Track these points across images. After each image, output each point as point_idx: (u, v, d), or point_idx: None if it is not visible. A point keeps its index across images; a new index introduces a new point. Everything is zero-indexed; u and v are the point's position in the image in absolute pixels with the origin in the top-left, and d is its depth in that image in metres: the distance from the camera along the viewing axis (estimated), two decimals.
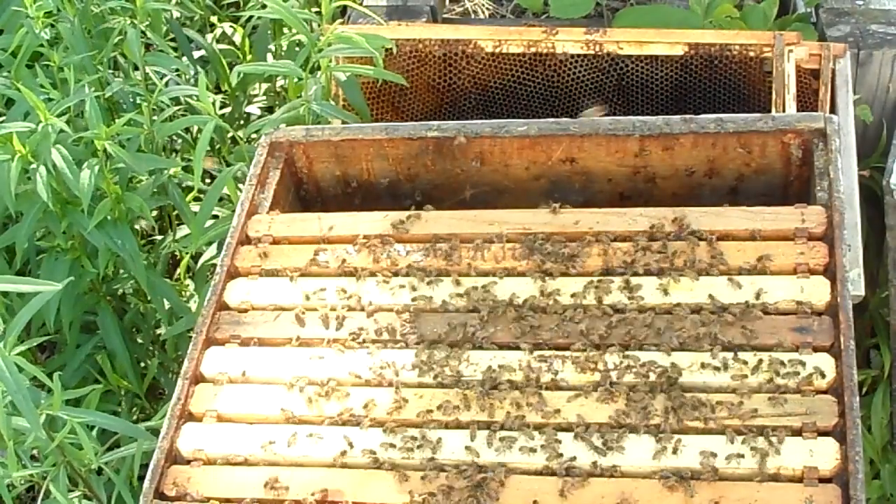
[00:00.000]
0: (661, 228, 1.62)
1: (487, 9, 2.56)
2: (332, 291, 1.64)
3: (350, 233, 1.71)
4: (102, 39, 2.24)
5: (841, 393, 1.41)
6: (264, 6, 2.09)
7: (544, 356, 1.51)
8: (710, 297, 1.53)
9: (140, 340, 2.42)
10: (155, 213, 2.40)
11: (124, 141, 2.09)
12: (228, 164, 2.28)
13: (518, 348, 1.53)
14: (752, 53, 2.11)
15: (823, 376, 1.43)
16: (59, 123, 1.94)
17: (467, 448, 1.43)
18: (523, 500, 1.38)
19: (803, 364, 1.44)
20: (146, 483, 1.47)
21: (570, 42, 2.16)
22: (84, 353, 2.26)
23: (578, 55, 2.16)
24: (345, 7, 2.20)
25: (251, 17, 2.62)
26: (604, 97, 2.23)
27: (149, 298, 2.29)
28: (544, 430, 1.43)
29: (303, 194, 1.91)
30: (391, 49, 2.08)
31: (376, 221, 1.72)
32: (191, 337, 1.62)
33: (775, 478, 1.36)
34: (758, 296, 1.52)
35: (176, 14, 2.69)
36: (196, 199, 2.34)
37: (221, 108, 2.69)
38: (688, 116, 1.74)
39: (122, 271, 2.35)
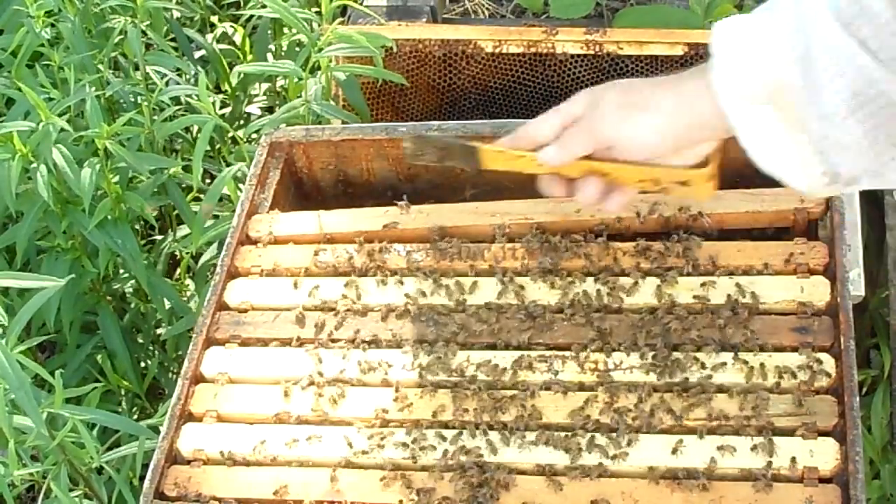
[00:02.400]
0: (662, 214, 1.61)
1: (487, 9, 2.56)
2: (332, 291, 1.64)
3: (350, 230, 1.71)
4: (103, 39, 2.24)
5: (841, 393, 1.41)
6: (264, 6, 2.09)
7: (544, 356, 1.51)
8: (710, 296, 1.53)
9: (140, 340, 2.42)
10: (155, 212, 2.41)
11: (125, 140, 2.09)
12: (228, 164, 2.29)
13: (517, 348, 1.53)
14: None
15: (823, 376, 1.43)
16: (61, 122, 1.94)
17: (467, 448, 1.43)
18: (524, 500, 1.38)
19: (803, 364, 1.44)
20: (146, 483, 1.47)
21: (570, 42, 2.16)
22: (84, 353, 2.26)
23: (578, 55, 2.16)
24: (345, 7, 2.20)
25: (251, 16, 2.63)
26: None
27: (149, 298, 2.29)
28: (544, 430, 1.43)
29: (303, 194, 1.91)
30: (391, 48, 2.08)
31: (377, 218, 1.72)
32: (191, 337, 1.62)
33: (775, 478, 1.36)
34: (758, 296, 1.52)
35: (176, 14, 2.69)
36: (196, 199, 2.34)
37: (221, 108, 2.69)
38: None
39: (122, 271, 2.35)
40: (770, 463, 1.36)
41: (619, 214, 1.62)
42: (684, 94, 1.25)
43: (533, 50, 2.17)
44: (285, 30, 2.68)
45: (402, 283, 1.63)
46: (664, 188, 1.36)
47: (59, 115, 1.96)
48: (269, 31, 2.74)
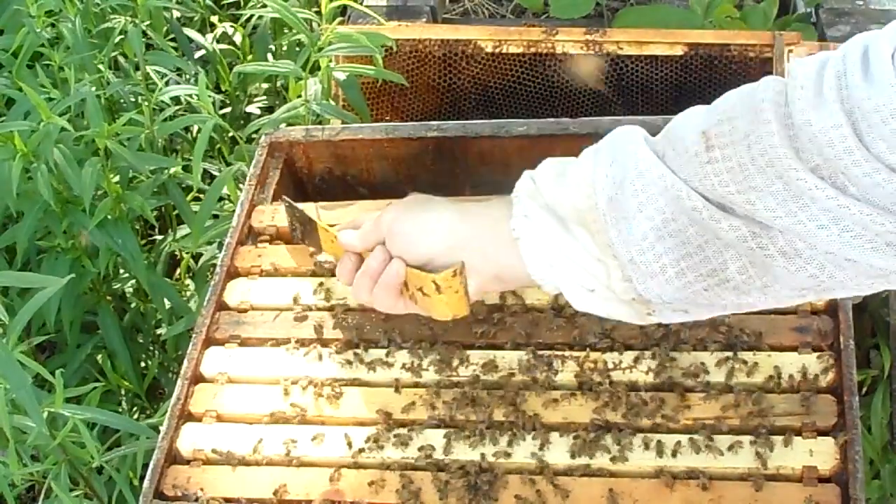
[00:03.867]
0: None
1: (487, 9, 2.56)
2: (332, 291, 1.64)
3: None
4: (103, 39, 2.24)
5: (840, 393, 1.41)
6: (264, 6, 2.09)
7: (544, 356, 1.51)
8: None
9: (140, 340, 2.42)
10: (155, 212, 2.41)
11: (125, 140, 2.09)
12: (228, 164, 2.29)
13: (517, 348, 1.53)
14: (751, 53, 2.11)
15: (823, 376, 1.43)
16: (61, 122, 1.94)
17: (467, 448, 1.43)
18: (523, 500, 1.38)
19: (803, 364, 1.44)
20: (146, 483, 1.47)
21: (570, 42, 2.16)
22: (84, 353, 2.26)
23: (578, 55, 2.16)
24: (345, 7, 2.20)
25: (251, 16, 2.63)
26: (604, 97, 2.24)
27: (149, 298, 2.29)
28: (544, 430, 1.43)
29: (303, 194, 1.91)
30: (391, 48, 2.08)
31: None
32: (191, 337, 1.62)
33: (775, 477, 1.36)
34: None
35: (176, 14, 2.70)
36: (196, 198, 2.34)
37: (221, 108, 2.69)
38: None
39: (122, 271, 2.35)
40: (770, 462, 1.36)
41: None
42: (479, 216, 1.20)
43: (533, 50, 2.18)
44: (285, 30, 2.68)
45: None
46: (411, 294, 1.25)
47: (60, 115, 1.96)
48: (269, 31, 2.74)
